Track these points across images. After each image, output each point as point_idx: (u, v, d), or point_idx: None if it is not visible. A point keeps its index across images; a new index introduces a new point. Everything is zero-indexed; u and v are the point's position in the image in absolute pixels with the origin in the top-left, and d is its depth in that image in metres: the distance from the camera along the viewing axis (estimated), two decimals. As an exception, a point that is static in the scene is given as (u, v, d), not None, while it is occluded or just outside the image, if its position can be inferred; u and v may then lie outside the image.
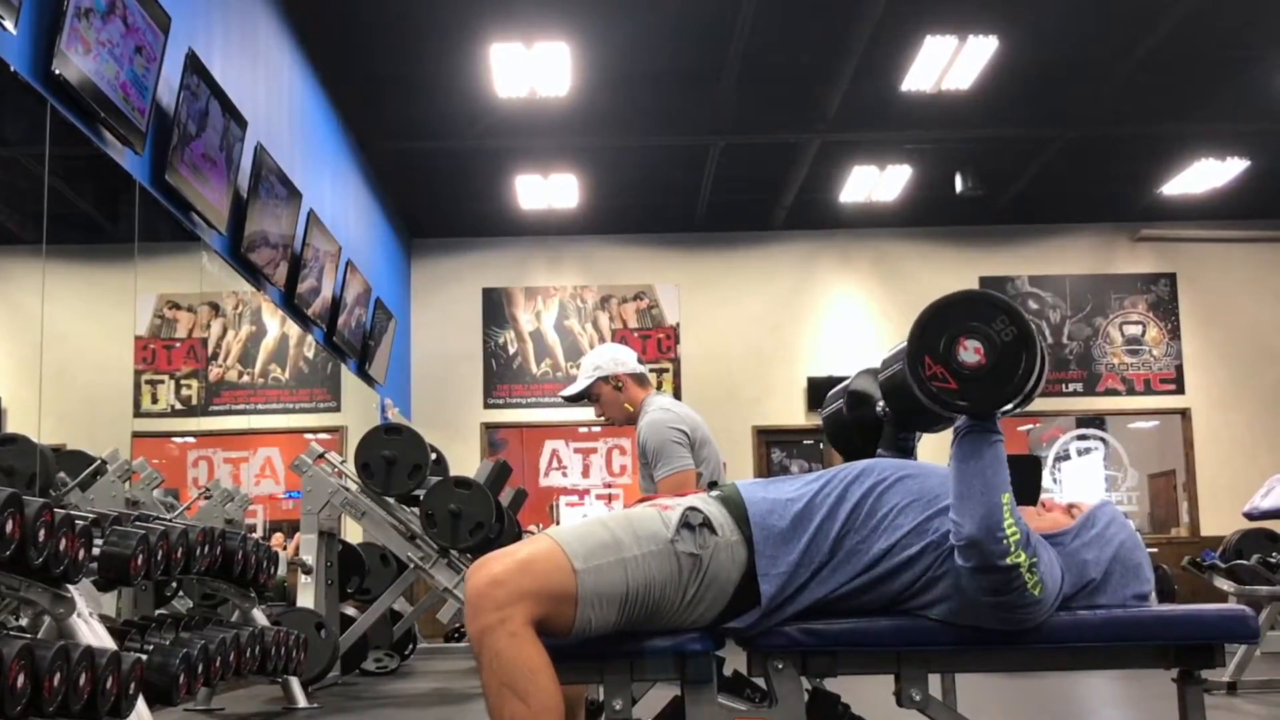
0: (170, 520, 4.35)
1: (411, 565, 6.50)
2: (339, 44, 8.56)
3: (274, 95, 7.70)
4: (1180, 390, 12.55)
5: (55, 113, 4.61)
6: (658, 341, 12.54)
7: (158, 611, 5.61)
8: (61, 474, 5.11)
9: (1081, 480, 12.65)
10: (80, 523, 3.26)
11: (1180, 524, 12.48)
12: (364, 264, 9.87)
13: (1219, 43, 8.76)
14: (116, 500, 5.34)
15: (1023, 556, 2.08)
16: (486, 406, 12.48)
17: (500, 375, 12.52)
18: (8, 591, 3.14)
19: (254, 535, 6.61)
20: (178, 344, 6.96)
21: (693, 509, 2.22)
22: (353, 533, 8.05)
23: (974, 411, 2.18)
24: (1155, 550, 9.18)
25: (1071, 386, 12.53)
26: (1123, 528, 2.31)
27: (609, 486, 12.50)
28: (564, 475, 12.53)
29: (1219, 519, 11.48)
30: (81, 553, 3.25)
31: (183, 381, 7.05)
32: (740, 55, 8.49)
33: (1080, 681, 6.13)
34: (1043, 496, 2.36)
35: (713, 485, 2.38)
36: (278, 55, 7.86)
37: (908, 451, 2.64)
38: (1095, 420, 12.77)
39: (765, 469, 12.33)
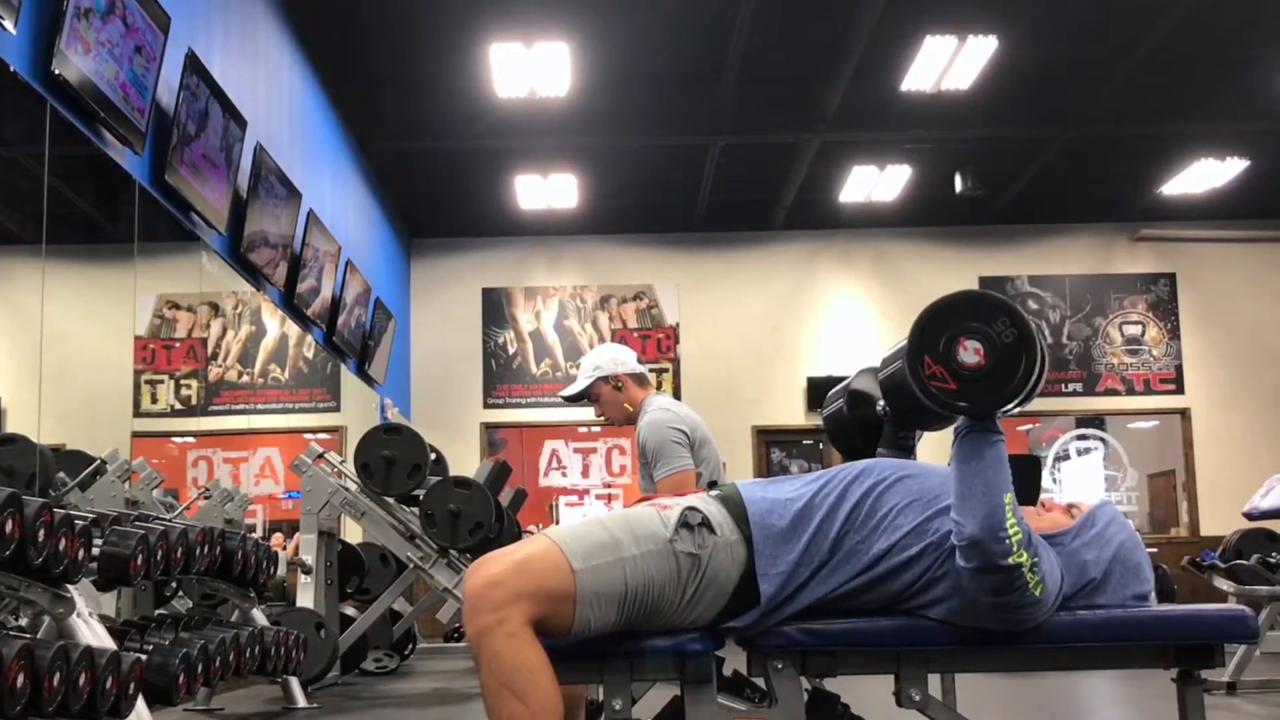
0: (170, 520, 4.35)
1: (411, 565, 6.50)
2: (339, 44, 8.57)
3: (274, 95, 7.70)
4: (1180, 390, 12.55)
5: (55, 113, 4.61)
6: (657, 341, 12.54)
7: (157, 611, 5.61)
8: (61, 474, 5.11)
9: (1081, 480, 12.65)
10: (80, 523, 3.26)
11: (1180, 524, 12.48)
12: (364, 264, 9.87)
13: (1219, 43, 8.76)
14: (116, 500, 5.34)
15: (1025, 556, 2.08)
16: (486, 406, 12.48)
17: (500, 375, 12.52)
18: (7, 591, 3.14)
19: (253, 535, 6.60)
20: (177, 344, 6.96)
21: (691, 509, 2.22)
22: (352, 533, 8.05)
23: (973, 412, 2.18)
24: (1155, 550, 9.17)
25: (1071, 386, 12.53)
26: (1122, 528, 2.31)
27: (608, 486, 12.50)
28: (563, 475, 12.53)
29: (1218, 519, 11.49)
30: (81, 553, 3.25)
31: (182, 381, 7.05)
32: (740, 55, 8.49)
33: (1080, 681, 6.13)
34: (1042, 496, 2.36)
35: (712, 485, 2.38)
36: (277, 55, 7.86)
37: (908, 450, 2.64)
38: (1095, 420, 12.77)
39: (765, 469, 12.33)
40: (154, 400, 6.74)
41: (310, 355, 9.20)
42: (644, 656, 2.20)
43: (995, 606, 2.13)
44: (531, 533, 5.54)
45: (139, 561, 3.61)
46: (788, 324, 12.60)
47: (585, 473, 12.56)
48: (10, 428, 5.15)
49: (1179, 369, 12.57)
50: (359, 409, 10.15)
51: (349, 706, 5.91)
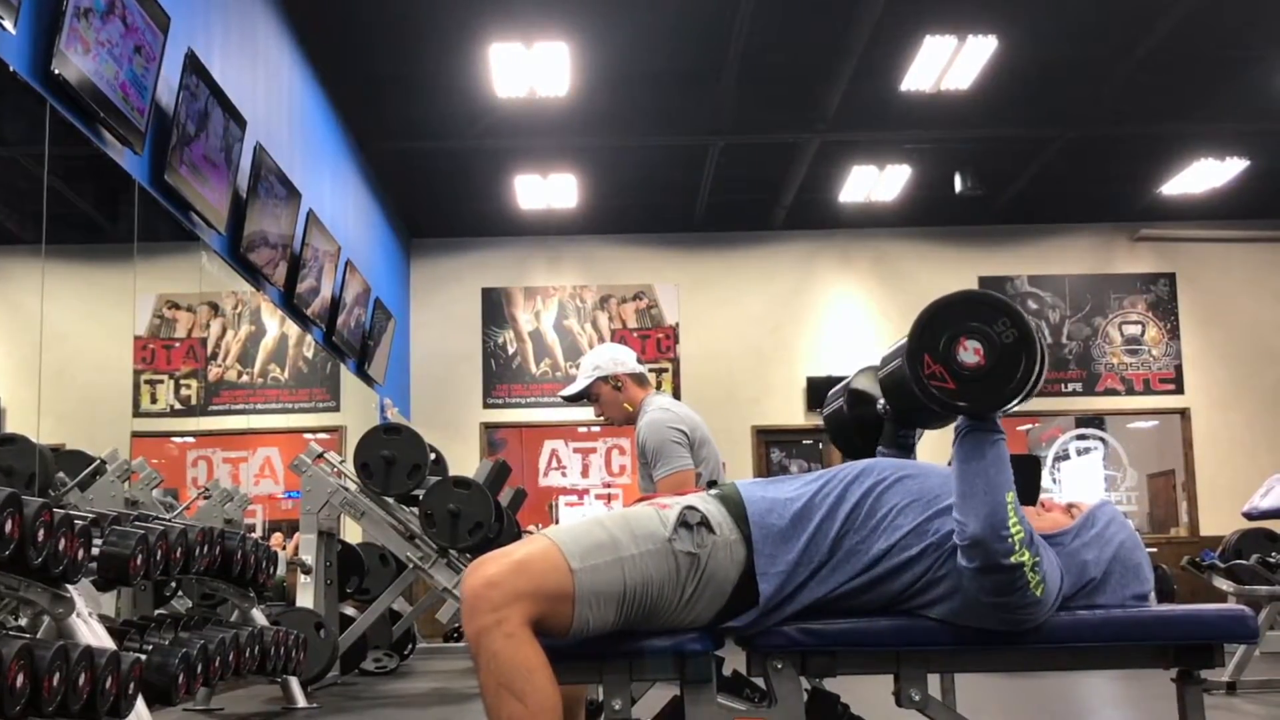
0: (169, 520, 4.35)
1: (411, 565, 6.50)
2: (339, 44, 8.56)
3: (273, 95, 7.70)
4: (1179, 390, 12.55)
5: (54, 113, 4.61)
6: (657, 341, 12.54)
7: (157, 611, 5.61)
8: (61, 474, 5.10)
9: (1081, 480, 12.65)
10: (79, 523, 3.26)
11: (1179, 524, 12.48)
12: (363, 264, 9.87)
13: (1219, 43, 8.76)
14: (116, 500, 5.34)
15: (1027, 555, 2.08)
16: (486, 406, 12.48)
17: (499, 375, 12.52)
18: (7, 591, 3.14)
19: (253, 535, 6.60)
20: (177, 344, 6.96)
21: (690, 508, 2.22)
22: (352, 533, 8.05)
23: (972, 412, 2.18)
24: (1154, 550, 9.17)
25: (1071, 386, 12.53)
26: (1122, 528, 2.31)
27: (608, 486, 12.50)
28: (563, 475, 12.53)
29: (1218, 519, 11.49)
30: (81, 553, 3.25)
31: (182, 381, 7.05)
32: (739, 55, 8.49)
33: (1080, 681, 6.13)
34: (1042, 496, 2.36)
35: (712, 484, 2.38)
36: (277, 55, 7.86)
37: (909, 448, 2.64)
38: (1094, 420, 12.77)
39: (764, 469, 12.33)
40: (154, 400, 6.74)
41: (310, 355, 9.20)
42: (644, 656, 2.20)
43: (996, 607, 2.13)
44: (531, 533, 5.54)
45: (138, 561, 3.61)
46: (787, 324, 12.60)
47: (585, 473, 12.56)
48: (10, 428, 5.15)
49: (1179, 369, 12.57)
50: (359, 409, 10.15)
51: (349, 706, 5.91)
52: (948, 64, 8.48)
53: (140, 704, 3.44)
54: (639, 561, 2.14)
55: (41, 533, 3.03)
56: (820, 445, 12.53)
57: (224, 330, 7.68)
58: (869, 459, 2.41)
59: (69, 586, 3.25)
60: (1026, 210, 12.17)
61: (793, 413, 12.49)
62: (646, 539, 2.17)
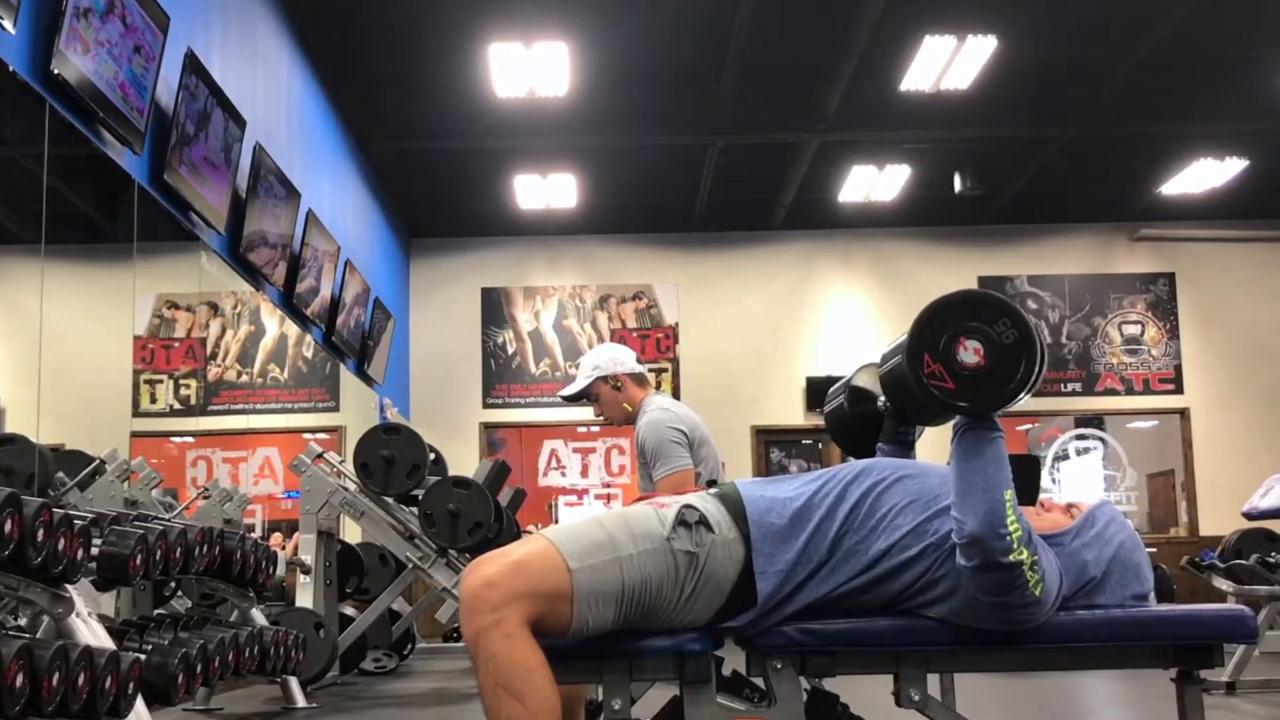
0: (169, 520, 4.35)
1: (410, 565, 6.50)
2: (338, 44, 8.56)
3: (273, 95, 7.70)
4: (1179, 390, 12.55)
5: (54, 112, 4.61)
6: (656, 341, 12.54)
7: (156, 611, 5.61)
8: (60, 474, 5.10)
9: (1080, 480, 12.65)
10: (79, 522, 3.26)
11: (1179, 524, 12.48)
12: (363, 264, 9.87)
13: (1219, 43, 8.76)
14: (115, 500, 5.33)
15: (1025, 554, 2.08)
16: (485, 406, 12.48)
17: (499, 375, 12.52)
18: (6, 591, 3.14)
19: (253, 535, 6.60)
20: (176, 344, 6.96)
21: (689, 507, 2.22)
22: (351, 532, 8.05)
23: (972, 412, 2.18)
24: (1154, 550, 9.16)
25: (1070, 386, 12.53)
26: (1122, 528, 2.30)
27: (608, 486, 12.50)
28: (563, 475, 12.53)
29: (1218, 519, 11.48)
30: (80, 552, 3.25)
31: (181, 381, 7.05)
32: (739, 55, 8.49)
33: (1080, 681, 6.13)
34: (1042, 496, 2.36)
35: (711, 484, 2.38)
36: (277, 55, 7.86)
37: (909, 445, 2.64)
38: (1094, 420, 12.77)
39: (764, 469, 12.33)
40: (153, 400, 6.74)
41: (309, 355, 9.20)
42: (643, 656, 2.20)
43: (995, 606, 2.13)
44: (530, 532, 5.54)
45: (138, 561, 3.60)
46: (787, 324, 12.60)
47: (584, 472, 12.56)
48: (9, 427, 5.15)
49: (1178, 369, 12.57)
50: (358, 409, 10.15)
51: (348, 706, 5.91)
52: (947, 64, 8.49)
53: (140, 704, 3.44)
54: (637, 561, 2.14)
55: (41, 532, 3.03)
56: (820, 445, 12.53)
57: (223, 330, 7.68)
58: (869, 459, 2.41)
59: (68, 586, 3.25)
60: (1026, 210, 12.17)
61: (792, 413, 12.49)
62: (645, 538, 2.17)
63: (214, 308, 7.32)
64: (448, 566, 6.40)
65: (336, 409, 9.88)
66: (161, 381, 6.86)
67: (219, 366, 7.68)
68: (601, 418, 4.78)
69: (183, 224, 5.98)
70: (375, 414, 10.36)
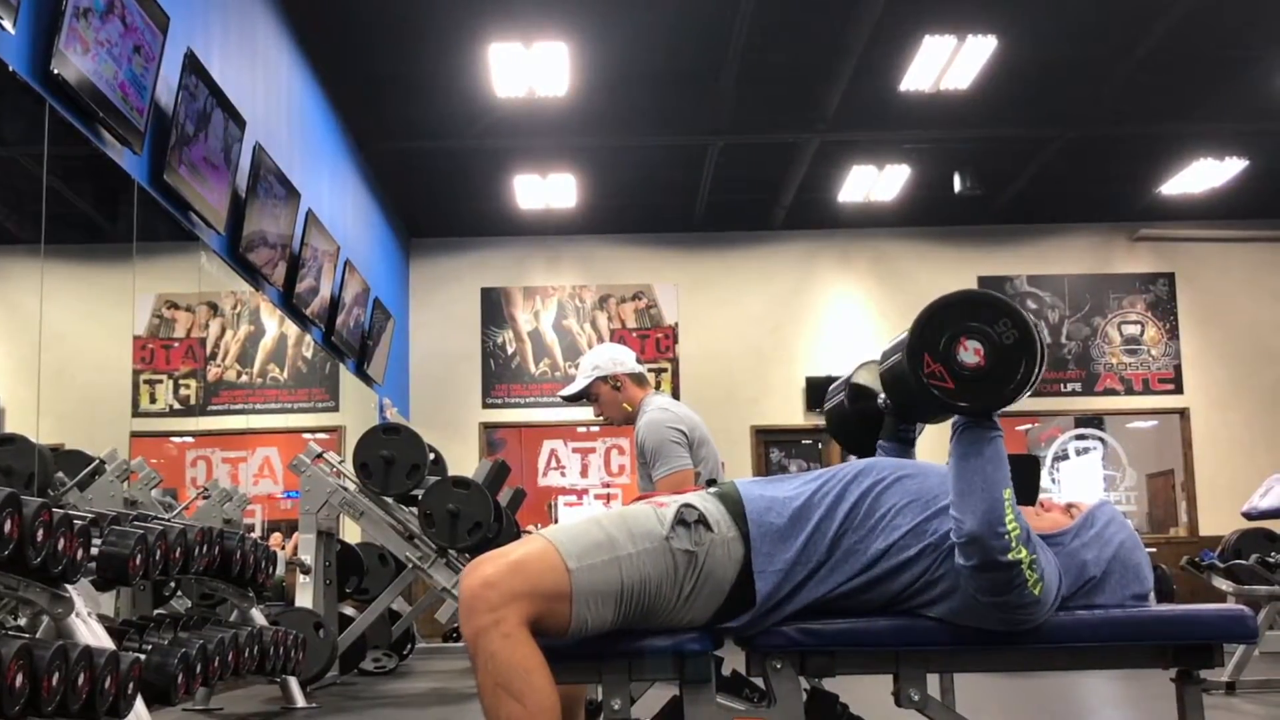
0: (169, 520, 4.35)
1: (410, 565, 6.50)
2: (338, 44, 8.56)
3: (273, 95, 7.70)
4: (1179, 390, 12.55)
5: (54, 112, 4.61)
6: (656, 341, 12.54)
7: (156, 611, 5.61)
8: (60, 474, 5.10)
9: (1080, 480, 12.65)
10: (78, 522, 3.26)
11: (1179, 524, 12.48)
12: (362, 264, 9.87)
13: (1218, 43, 8.76)
14: (115, 500, 5.33)
15: (1024, 553, 2.08)
16: (485, 406, 12.48)
17: (499, 375, 12.52)
18: (6, 591, 3.14)
19: (252, 535, 6.60)
20: (176, 344, 6.96)
21: (688, 506, 2.22)
22: (351, 532, 8.05)
23: (971, 412, 2.18)
24: (1154, 550, 9.16)
25: (1070, 386, 12.53)
26: (1122, 528, 2.30)
27: (607, 486, 12.50)
28: (562, 475, 12.53)
29: (1217, 519, 11.49)
30: (80, 552, 3.25)
31: (181, 381, 7.05)
32: (739, 55, 8.49)
33: (1079, 681, 6.13)
34: (1041, 496, 2.36)
35: (710, 483, 2.38)
36: (276, 55, 7.86)
37: (909, 442, 2.64)
38: (1094, 420, 12.77)
39: (764, 469, 12.33)
40: (153, 400, 6.74)
41: (309, 355, 9.20)
42: (643, 656, 2.20)
43: (994, 606, 2.13)
44: (530, 532, 5.55)
45: (138, 561, 3.60)
46: (787, 324, 12.60)
47: (584, 472, 12.56)
48: (9, 427, 5.15)
49: (1178, 369, 12.57)
50: (358, 409, 10.14)
51: (348, 706, 5.91)
52: (947, 64, 8.49)
53: (139, 704, 3.44)
54: (636, 560, 2.14)
55: (40, 532, 3.02)
56: (819, 445, 12.53)
57: (223, 330, 7.68)
58: (868, 459, 2.41)
59: (68, 586, 3.25)
60: (1026, 210, 12.17)
61: (792, 412, 12.49)
62: (644, 537, 2.17)
63: (214, 308, 7.33)
64: (447, 566, 6.40)
65: (336, 409, 9.88)
66: (161, 381, 6.86)
67: (219, 366, 7.68)
68: (601, 418, 4.79)
69: (182, 224, 5.98)
70: (375, 414, 10.36)
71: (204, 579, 4.75)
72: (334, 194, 9.30)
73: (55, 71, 4.46)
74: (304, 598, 6.34)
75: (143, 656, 3.68)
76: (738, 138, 10.15)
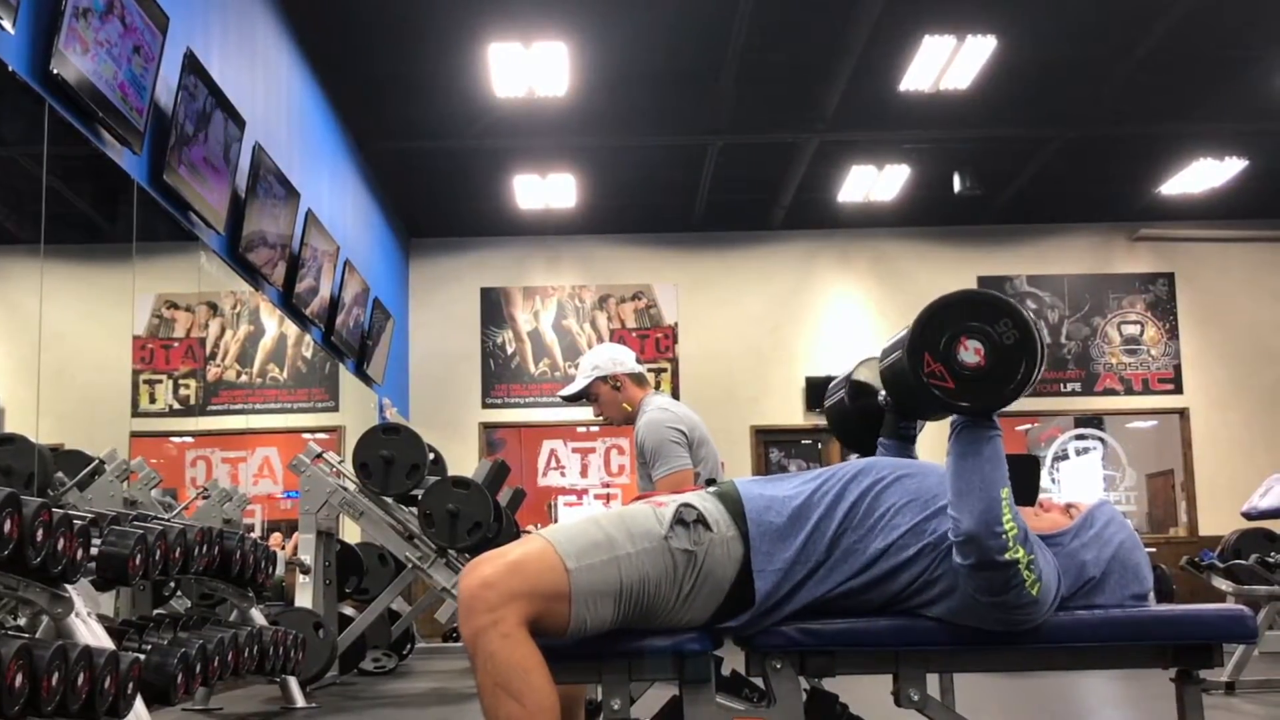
0: (168, 520, 4.35)
1: (409, 565, 6.50)
2: (338, 44, 8.56)
3: (272, 95, 7.70)
4: (1178, 390, 12.55)
5: (53, 112, 4.61)
6: (656, 341, 12.54)
7: (156, 611, 5.61)
8: (59, 474, 5.10)
9: (1080, 480, 12.65)
10: (78, 522, 3.26)
11: (1178, 524, 12.48)
12: (362, 264, 9.87)
13: (1218, 43, 8.76)
14: (114, 500, 5.34)
15: (1021, 552, 2.08)
16: (484, 406, 12.47)
17: (498, 375, 12.52)
18: (6, 591, 3.14)
19: (252, 535, 6.60)
20: (176, 344, 6.96)
21: (687, 505, 2.22)
22: (351, 532, 8.05)
23: (971, 412, 2.18)
24: (1153, 550, 9.18)
25: (1070, 386, 12.53)
26: (1121, 528, 2.30)
27: (607, 486, 12.50)
28: (562, 475, 12.53)
29: (1217, 519, 11.49)
30: (79, 552, 3.25)
31: (181, 381, 7.05)
32: (738, 55, 8.49)
33: (1079, 681, 6.13)
34: (1041, 496, 2.36)
35: (710, 483, 2.38)
36: (276, 55, 7.86)
37: (910, 439, 2.64)
38: (1093, 420, 12.77)
39: (763, 469, 12.33)
40: (152, 400, 6.74)
41: (309, 355, 9.20)
42: (642, 656, 2.20)
43: (993, 606, 2.13)
44: (530, 532, 5.55)
45: (137, 561, 3.60)
46: (786, 324, 12.60)
47: (584, 472, 12.56)
48: (9, 427, 5.15)
49: (1177, 369, 12.57)
50: (357, 409, 10.14)
51: (347, 706, 5.91)
52: (947, 64, 8.48)
53: (139, 704, 3.44)
54: (635, 560, 2.14)
55: (40, 532, 3.02)
56: (819, 445, 12.53)
57: (223, 330, 7.68)
58: (868, 458, 2.41)
59: (68, 586, 3.25)
60: (1025, 210, 12.17)
61: (791, 412, 12.49)
62: (643, 537, 2.17)
63: (213, 308, 7.33)
64: (447, 566, 6.40)
65: (336, 409, 9.88)
66: (161, 381, 6.86)
67: (218, 366, 7.68)
68: (601, 418, 4.79)
69: (182, 224, 5.98)
70: (374, 414, 10.36)
71: (204, 579, 4.75)
72: (334, 194, 9.30)
73: (55, 71, 4.46)
74: (304, 598, 6.34)
75: (142, 656, 3.68)
76: (737, 138, 10.15)
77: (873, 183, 11.15)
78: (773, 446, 12.57)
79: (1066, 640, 2.21)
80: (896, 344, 2.42)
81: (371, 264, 10.46)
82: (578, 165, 10.74)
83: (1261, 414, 12.39)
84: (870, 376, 2.69)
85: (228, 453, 8.39)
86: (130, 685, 3.30)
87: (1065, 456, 12.75)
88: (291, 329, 8.44)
